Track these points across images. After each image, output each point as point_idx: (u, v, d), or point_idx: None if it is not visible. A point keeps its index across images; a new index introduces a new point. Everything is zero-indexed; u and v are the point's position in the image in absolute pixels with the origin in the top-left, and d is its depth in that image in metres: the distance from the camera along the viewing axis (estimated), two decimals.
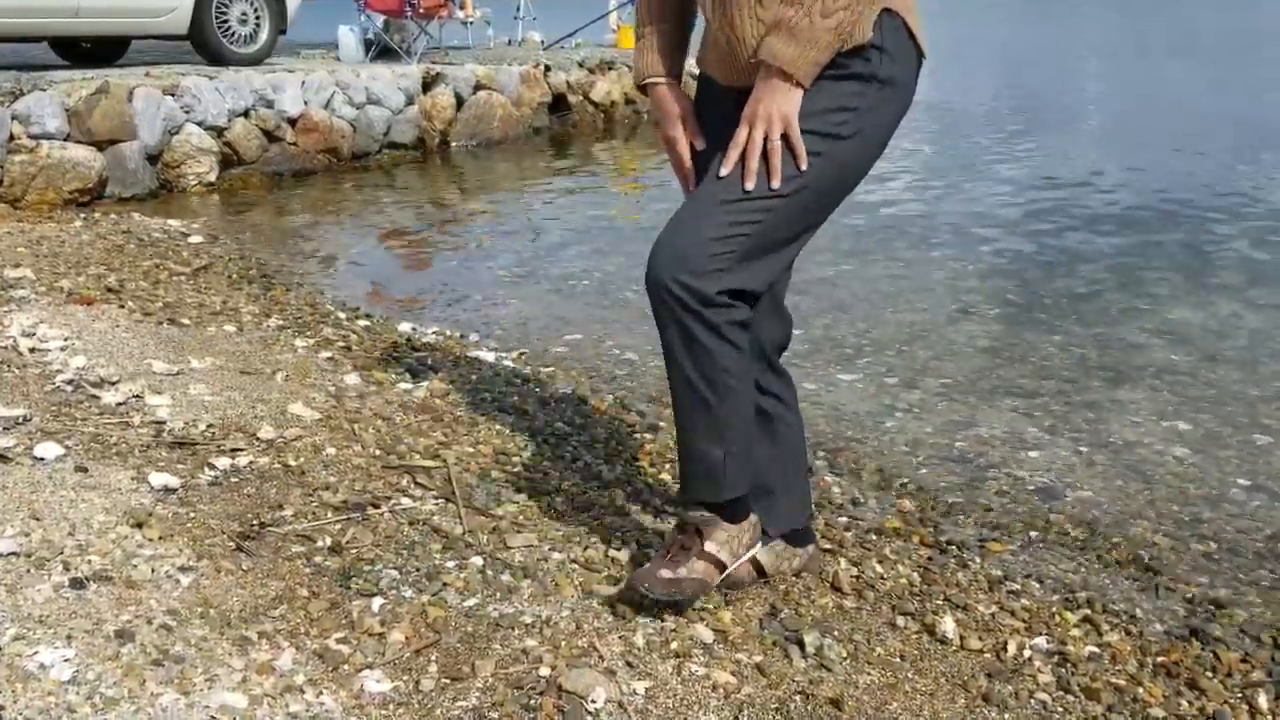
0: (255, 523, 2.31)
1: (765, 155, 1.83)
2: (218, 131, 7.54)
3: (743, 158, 1.85)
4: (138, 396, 2.98)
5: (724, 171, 1.86)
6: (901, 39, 1.87)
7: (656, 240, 1.90)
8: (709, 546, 2.07)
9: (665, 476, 2.95)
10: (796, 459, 2.27)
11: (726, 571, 2.12)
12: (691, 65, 1.99)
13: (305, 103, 8.21)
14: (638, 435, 3.30)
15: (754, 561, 2.27)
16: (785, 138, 1.82)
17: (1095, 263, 5.68)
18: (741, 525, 2.12)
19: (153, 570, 2.04)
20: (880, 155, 1.98)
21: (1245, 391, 3.83)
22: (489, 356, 4.04)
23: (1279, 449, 3.35)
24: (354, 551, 2.23)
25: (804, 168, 1.83)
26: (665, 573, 2.03)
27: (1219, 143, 10.02)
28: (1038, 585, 2.55)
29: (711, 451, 1.98)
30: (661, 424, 3.44)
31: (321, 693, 1.74)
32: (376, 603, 2.02)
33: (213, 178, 7.42)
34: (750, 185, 1.83)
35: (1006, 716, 1.95)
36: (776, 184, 1.83)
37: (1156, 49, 24.73)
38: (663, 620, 2.08)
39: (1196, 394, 3.81)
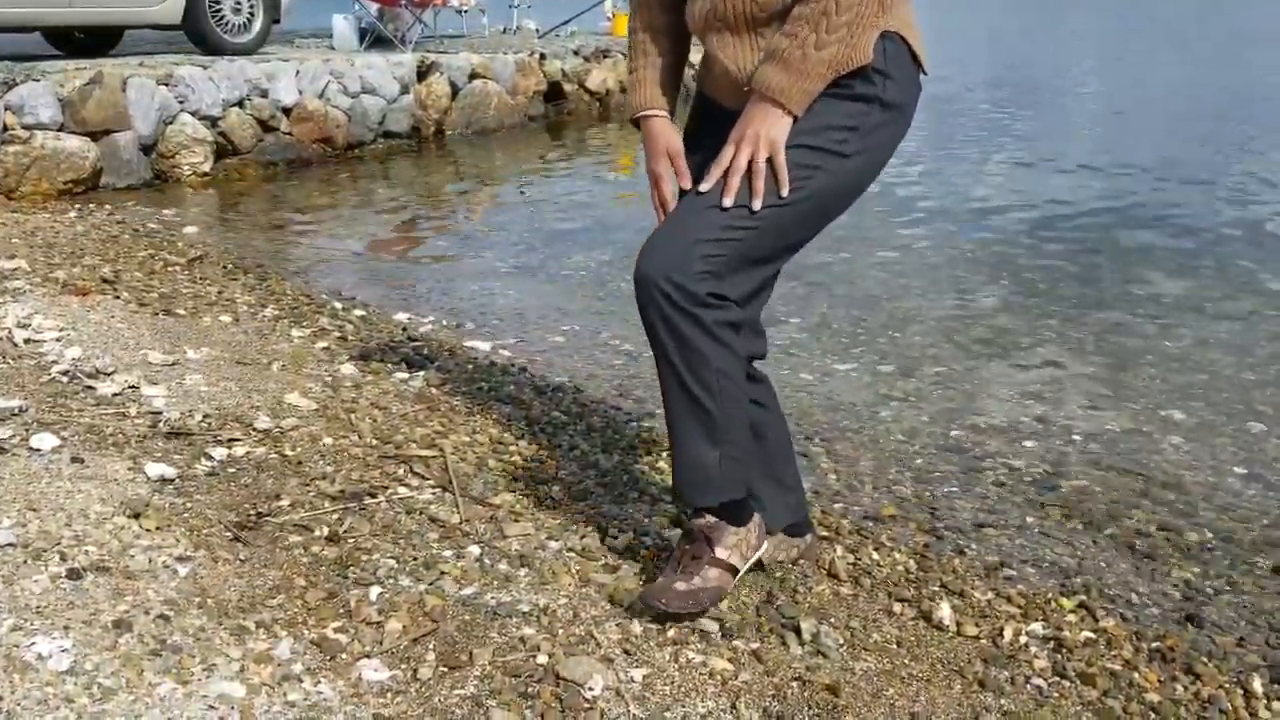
0: (252, 513, 2.31)
1: (750, 176, 1.81)
2: (212, 121, 7.52)
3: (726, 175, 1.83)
4: (134, 387, 2.98)
5: (704, 188, 1.85)
6: (904, 63, 1.87)
7: (647, 241, 1.89)
8: (719, 552, 2.05)
9: (663, 464, 2.95)
10: (783, 458, 2.27)
11: (740, 574, 2.11)
12: (688, 77, 1.98)
13: (300, 92, 8.18)
14: (634, 424, 3.31)
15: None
16: (770, 162, 1.81)
17: (1090, 249, 5.69)
18: (748, 527, 2.11)
19: (150, 560, 2.04)
20: (876, 177, 1.97)
21: (1240, 378, 3.84)
22: (485, 346, 4.04)
23: (1274, 436, 3.36)
24: (351, 541, 2.24)
25: (784, 194, 1.81)
26: (680, 585, 2.01)
27: (1214, 128, 10.02)
28: (1033, 571, 2.56)
29: (707, 454, 1.94)
30: (658, 412, 3.44)
31: (319, 682, 1.75)
32: (374, 592, 2.03)
33: (207, 168, 7.40)
34: (729, 203, 1.81)
35: (1002, 702, 1.95)
36: (757, 206, 1.81)
37: (1150, 36, 24.70)
38: None
39: (1191, 381, 3.82)
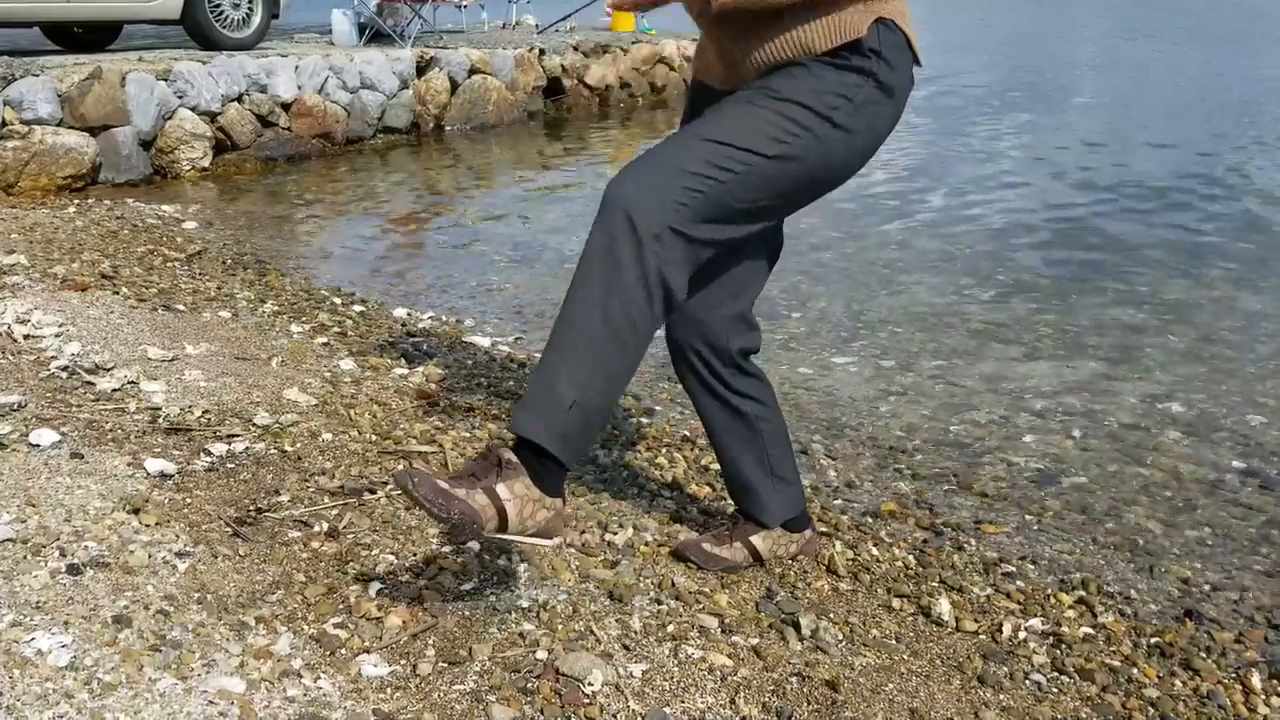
0: (252, 508, 2.31)
1: (759, 120, 1.81)
2: (211, 116, 7.51)
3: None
4: (133, 383, 2.98)
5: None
6: (899, 50, 1.87)
7: (630, 163, 1.82)
8: (500, 490, 1.76)
9: (662, 460, 2.95)
10: (781, 453, 2.25)
11: (504, 531, 1.79)
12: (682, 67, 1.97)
13: (299, 87, 8.17)
14: (634, 419, 3.31)
15: (751, 547, 2.28)
16: (784, 113, 1.81)
17: (1089, 244, 5.68)
18: (548, 497, 1.81)
19: (149, 556, 2.04)
20: (862, 165, 1.95)
21: (1240, 371, 3.84)
22: (484, 341, 4.04)
23: (1273, 430, 3.36)
24: (351, 536, 2.24)
25: (769, 151, 1.80)
26: (443, 483, 1.74)
27: (1214, 122, 10.02)
28: (1033, 567, 2.56)
29: (564, 393, 1.75)
30: (658, 408, 3.45)
31: (319, 677, 1.75)
32: (374, 587, 2.03)
33: (206, 163, 7.39)
34: (721, 137, 1.79)
35: (1002, 697, 1.96)
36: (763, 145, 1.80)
37: (1153, 30, 24.69)
38: (660, 604, 2.08)
39: (1191, 375, 3.82)
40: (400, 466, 1.88)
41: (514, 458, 1.79)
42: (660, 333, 1.95)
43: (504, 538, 1.82)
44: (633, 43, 12.01)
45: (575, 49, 11.34)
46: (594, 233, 1.77)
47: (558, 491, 1.83)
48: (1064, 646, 2.16)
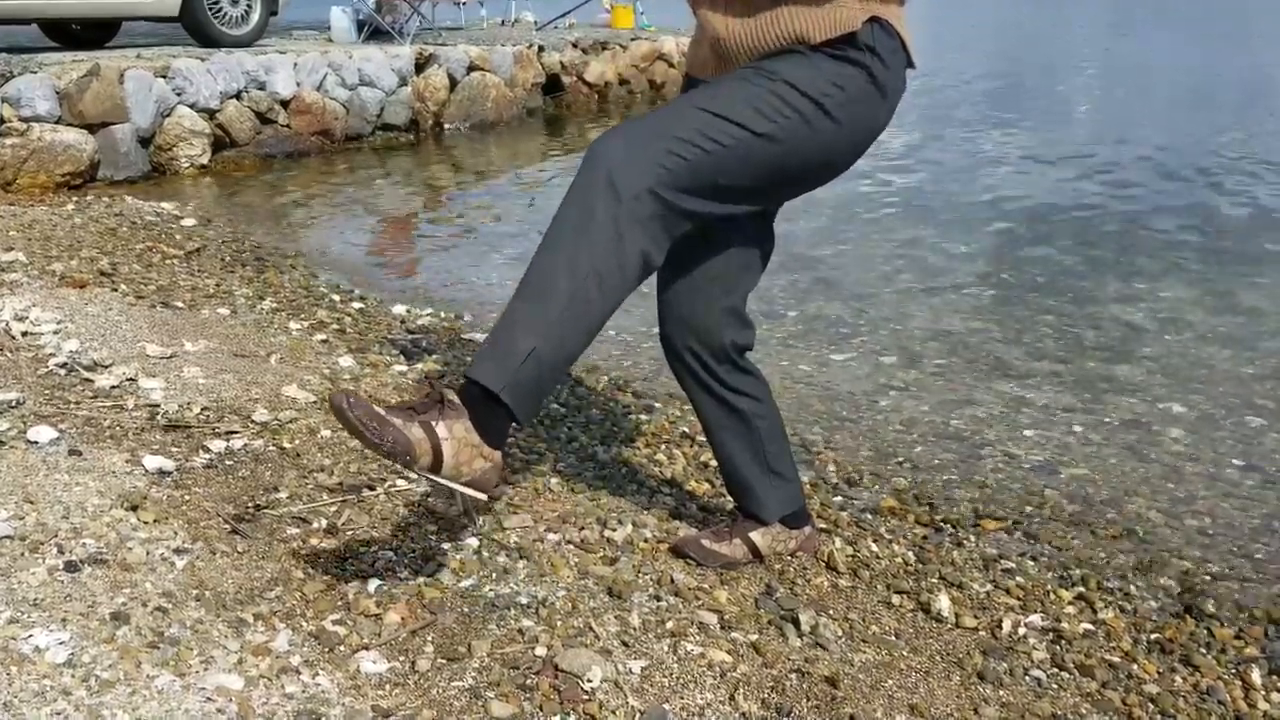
0: (250, 505, 2.31)
1: (752, 96, 1.81)
2: (210, 113, 7.50)
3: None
4: (131, 380, 2.97)
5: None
6: (893, 50, 1.88)
7: (623, 124, 1.82)
8: (439, 429, 1.71)
9: (661, 457, 2.95)
10: (777, 449, 2.24)
11: (439, 474, 1.74)
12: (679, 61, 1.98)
13: (298, 84, 8.16)
14: (633, 416, 3.30)
15: (750, 543, 2.28)
16: (777, 93, 1.81)
17: (1089, 242, 5.68)
18: (486, 449, 1.76)
19: (148, 553, 2.03)
20: (850, 163, 1.95)
21: (1239, 371, 3.83)
22: (483, 338, 4.03)
23: (1273, 430, 3.36)
24: (349, 533, 2.23)
25: (759, 128, 1.80)
26: (380, 409, 1.70)
27: (1213, 120, 10.01)
28: (1032, 563, 2.56)
29: (521, 342, 1.72)
30: (657, 405, 3.44)
31: (318, 674, 1.75)
32: (372, 584, 2.02)
33: (205, 160, 7.39)
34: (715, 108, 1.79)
35: (1001, 694, 1.95)
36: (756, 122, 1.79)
37: (1145, 27, 24.68)
38: (659, 601, 2.08)
39: (1191, 374, 3.81)
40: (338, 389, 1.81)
41: (456, 399, 1.75)
42: (655, 327, 1.95)
43: (436, 480, 1.74)
44: (632, 39, 12.00)
45: (574, 46, 11.33)
46: (573, 187, 1.76)
47: (499, 444, 1.78)
48: (1064, 643, 2.15)
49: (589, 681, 1.79)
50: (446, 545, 2.22)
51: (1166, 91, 12.64)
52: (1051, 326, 4.33)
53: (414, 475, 1.83)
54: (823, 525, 2.58)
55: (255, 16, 8.77)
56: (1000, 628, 2.19)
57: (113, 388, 2.91)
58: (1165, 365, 3.89)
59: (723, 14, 1.90)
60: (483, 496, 1.81)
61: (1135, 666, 2.10)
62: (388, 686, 1.74)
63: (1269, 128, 9.56)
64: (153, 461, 2.43)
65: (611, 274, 1.75)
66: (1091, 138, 9.22)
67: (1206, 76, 13.99)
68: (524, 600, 2.03)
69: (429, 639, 1.88)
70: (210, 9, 8.39)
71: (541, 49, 10.83)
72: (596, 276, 1.74)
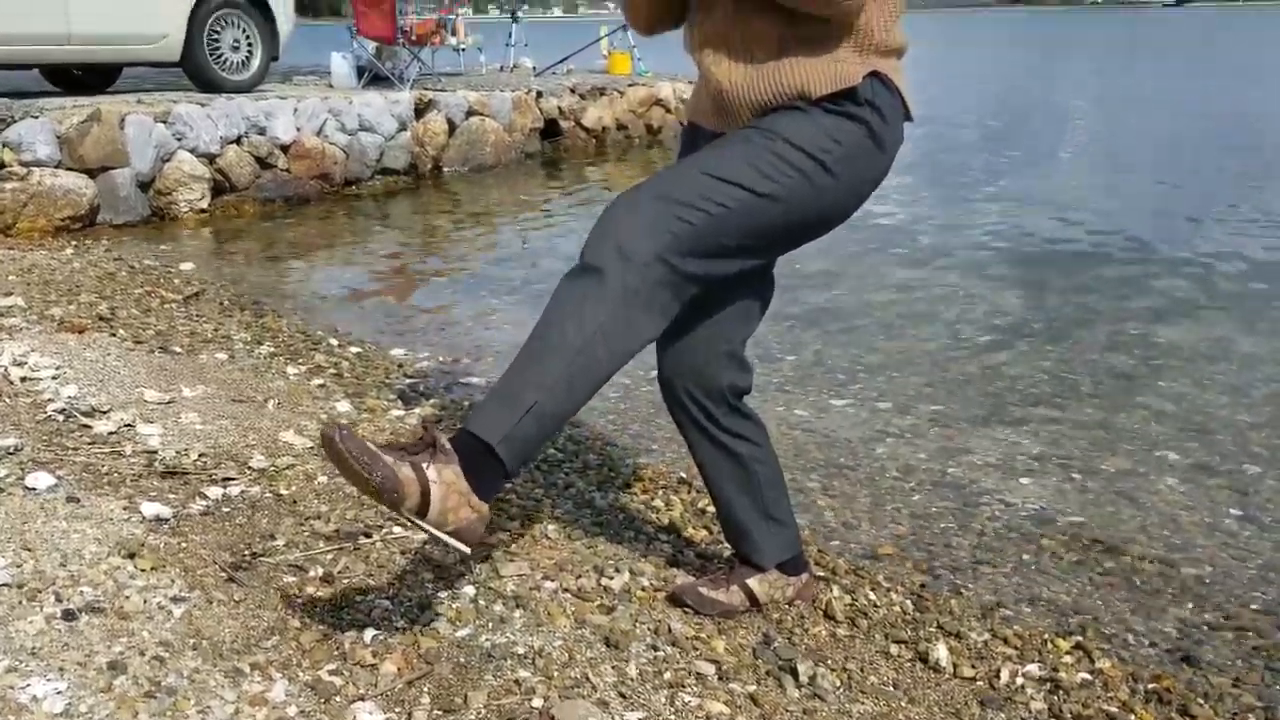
0: (247, 552, 2.31)
1: (753, 157, 1.84)
2: (210, 158, 7.56)
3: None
4: (129, 425, 2.98)
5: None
6: (892, 105, 1.90)
7: (630, 191, 1.85)
8: (429, 472, 1.71)
9: (658, 503, 2.95)
10: (775, 494, 2.25)
11: (425, 519, 1.71)
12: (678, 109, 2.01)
13: (298, 129, 8.23)
14: (630, 461, 3.31)
15: (748, 591, 2.27)
16: (777, 153, 1.84)
17: (1086, 289, 5.70)
18: (473, 500, 1.75)
19: (145, 601, 2.03)
20: (848, 215, 1.97)
21: (1235, 419, 3.84)
22: (481, 382, 4.05)
23: (1269, 478, 3.36)
24: (346, 581, 2.23)
25: (761, 189, 1.83)
26: (371, 446, 1.68)
27: (1208, 166, 10.09)
28: (1030, 611, 2.55)
29: (523, 396, 1.75)
30: (654, 448, 3.45)
31: None
32: (369, 633, 2.02)
33: (205, 204, 7.43)
34: (716, 171, 1.83)
35: None
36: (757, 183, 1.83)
37: (1145, 74, 24.94)
38: (657, 650, 2.08)
39: (1187, 422, 3.82)
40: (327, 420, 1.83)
41: (449, 445, 1.75)
42: (652, 372, 1.96)
43: (420, 525, 1.71)
44: (629, 85, 12.11)
45: (572, 91, 11.43)
46: (584, 251, 1.81)
47: (488, 496, 1.78)
48: (1062, 692, 2.15)
49: None
50: (443, 593, 2.21)
51: (1165, 133, 12.75)
52: (1048, 373, 4.35)
53: (403, 521, 1.83)
54: (820, 572, 2.57)
55: (256, 62, 8.85)
56: (998, 677, 2.18)
57: (111, 433, 2.91)
58: (1161, 413, 3.90)
59: (726, 67, 1.93)
60: (466, 549, 1.79)
61: (1133, 717, 2.09)
62: None
63: (1268, 171, 9.63)
64: (150, 508, 2.43)
65: (619, 335, 1.78)
66: (1086, 182, 9.29)
67: (1203, 118, 14.12)
68: (520, 650, 2.02)
69: (425, 689, 1.88)
70: (211, 54, 8.47)
71: (540, 94, 10.93)
72: (604, 336, 1.77)
